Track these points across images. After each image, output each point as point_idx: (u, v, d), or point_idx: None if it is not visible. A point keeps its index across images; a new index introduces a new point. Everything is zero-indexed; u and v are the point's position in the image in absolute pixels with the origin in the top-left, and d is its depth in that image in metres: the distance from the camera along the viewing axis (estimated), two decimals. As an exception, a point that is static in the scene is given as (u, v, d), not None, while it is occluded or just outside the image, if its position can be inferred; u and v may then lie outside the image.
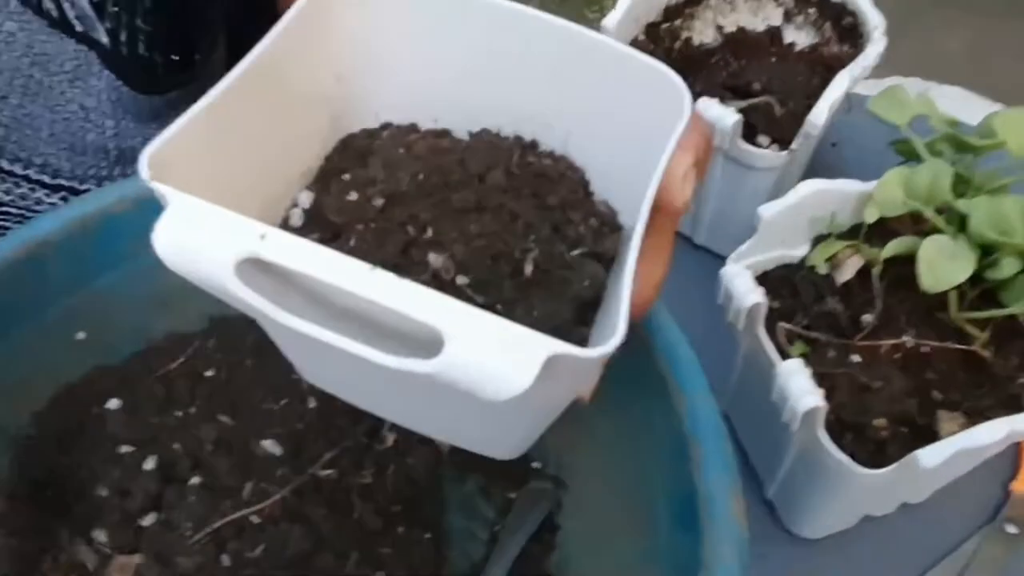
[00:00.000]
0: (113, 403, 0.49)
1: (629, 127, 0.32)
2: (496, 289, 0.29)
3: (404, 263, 0.29)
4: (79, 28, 0.49)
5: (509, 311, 0.29)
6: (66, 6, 0.48)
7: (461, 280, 0.29)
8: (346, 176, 0.33)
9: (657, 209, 0.29)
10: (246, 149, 0.31)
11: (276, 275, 0.26)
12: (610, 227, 0.33)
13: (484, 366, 0.23)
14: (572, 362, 0.24)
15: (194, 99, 0.59)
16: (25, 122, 0.51)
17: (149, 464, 0.46)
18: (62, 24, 0.48)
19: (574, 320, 0.30)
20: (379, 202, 0.31)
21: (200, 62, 0.56)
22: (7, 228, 0.55)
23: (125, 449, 0.47)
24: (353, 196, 0.31)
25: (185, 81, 0.56)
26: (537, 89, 0.34)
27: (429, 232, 0.30)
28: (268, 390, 0.49)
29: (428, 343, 0.23)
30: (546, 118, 0.35)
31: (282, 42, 0.31)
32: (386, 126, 0.37)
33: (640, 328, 0.40)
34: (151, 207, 0.46)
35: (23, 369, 0.45)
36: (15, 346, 0.45)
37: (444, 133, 0.36)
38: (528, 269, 0.30)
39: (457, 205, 0.31)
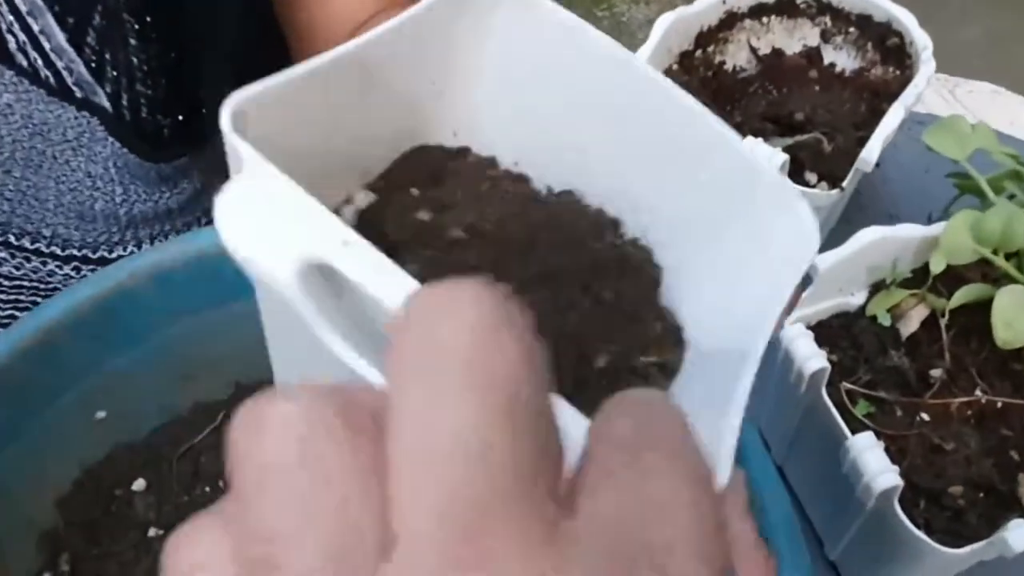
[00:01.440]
0: (139, 484, 0.46)
1: (725, 243, 0.27)
2: (563, 378, 0.26)
3: None
4: (79, 94, 0.47)
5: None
6: (64, 73, 0.46)
7: None
8: (415, 190, 0.30)
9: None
10: (325, 131, 0.27)
11: (333, 286, 0.22)
12: (675, 339, 0.29)
13: None
14: None
15: (207, 158, 0.57)
16: (30, 194, 0.49)
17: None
18: (61, 92, 0.47)
19: None
20: (456, 233, 0.27)
21: (206, 123, 0.53)
22: (21, 301, 0.53)
23: (153, 533, 0.45)
24: (423, 216, 0.28)
25: (190, 147, 0.53)
26: (636, 164, 0.30)
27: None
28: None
29: None
30: (635, 200, 0.31)
31: (396, 35, 0.27)
32: (464, 151, 0.33)
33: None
34: (166, 280, 0.44)
35: (44, 456, 0.43)
36: (35, 435, 0.43)
37: (524, 179, 0.32)
38: (600, 363, 0.27)
39: (537, 268, 0.27)
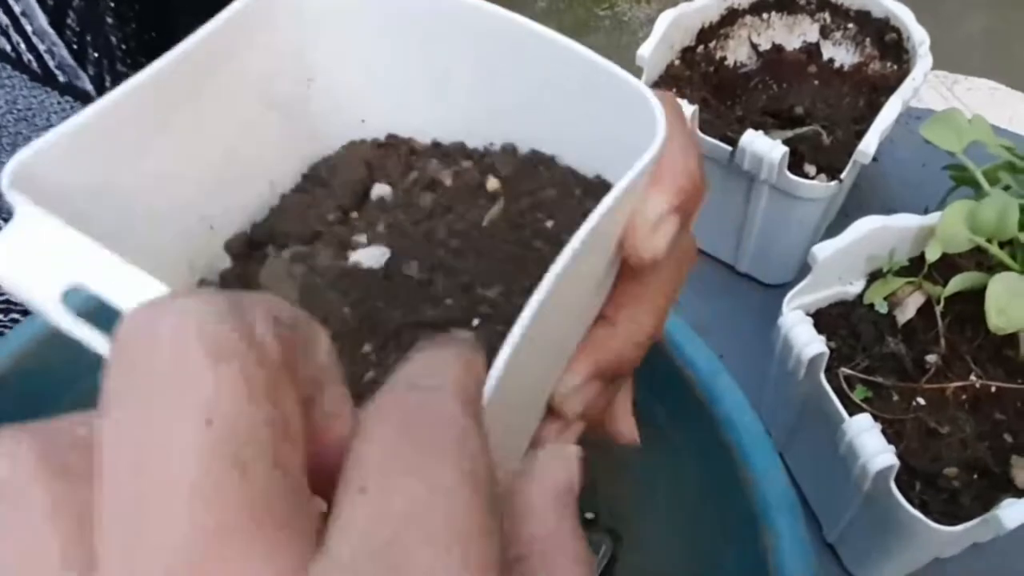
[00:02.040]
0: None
1: (622, 152, 0.26)
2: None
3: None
4: (62, 79, 0.48)
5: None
6: (46, 56, 0.47)
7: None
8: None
9: (627, 268, 0.25)
10: (184, 155, 0.27)
11: None
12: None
13: None
14: None
15: None
16: None
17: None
18: (44, 77, 0.47)
19: None
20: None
21: None
22: None
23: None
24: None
25: None
26: (528, 106, 0.31)
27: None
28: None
29: None
30: (540, 137, 0.32)
31: (236, 22, 0.27)
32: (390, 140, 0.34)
33: (700, 394, 0.39)
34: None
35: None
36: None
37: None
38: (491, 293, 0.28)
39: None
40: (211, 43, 0.26)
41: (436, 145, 0.33)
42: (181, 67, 0.25)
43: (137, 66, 0.50)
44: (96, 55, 0.48)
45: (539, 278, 0.24)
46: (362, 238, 0.29)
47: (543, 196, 0.30)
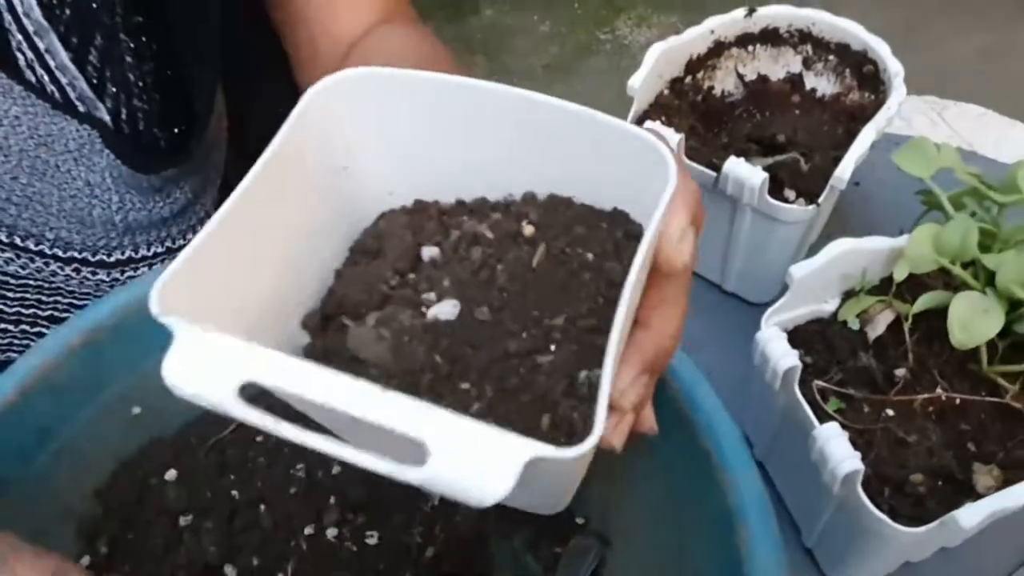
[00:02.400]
0: (170, 474, 0.50)
1: (629, 190, 0.33)
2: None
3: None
4: (81, 109, 0.51)
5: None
6: (68, 89, 0.50)
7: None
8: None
9: (659, 271, 0.30)
10: (263, 255, 0.32)
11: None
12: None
13: (465, 474, 0.24)
14: (554, 462, 0.24)
15: (197, 171, 0.61)
16: (35, 200, 0.53)
17: (207, 539, 0.48)
18: (65, 106, 0.50)
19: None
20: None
21: (196, 137, 0.58)
22: (27, 298, 0.57)
23: (183, 521, 0.49)
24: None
25: (179, 160, 0.57)
26: (539, 161, 0.35)
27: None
28: (318, 457, 0.51)
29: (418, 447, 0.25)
30: (554, 186, 0.36)
31: (288, 146, 0.32)
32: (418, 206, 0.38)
33: (681, 402, 0.42)
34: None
35: (85, 448, 0.47)
36: (79, 427, 0.46)
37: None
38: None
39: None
40: (276, 163, 0.31)
41: (460, 203, 0.37)
42: (256, 191, 0.31)
43: (152, 101, 0.54)
44: (114, 90, 0.51)
45: (595, 303, 0.31)
46: (431, 295, 0.33)
47: (576, 233, 0.34)
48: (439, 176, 0.37)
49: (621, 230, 0.34)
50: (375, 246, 0.36)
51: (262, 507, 0.49)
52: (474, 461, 0.24)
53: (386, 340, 0.31)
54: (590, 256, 0.33)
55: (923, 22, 2.03)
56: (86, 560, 0.47)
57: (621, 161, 0.32)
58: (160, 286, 0.27)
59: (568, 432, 0.29)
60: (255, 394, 0.26)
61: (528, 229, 0.34)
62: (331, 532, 0.49)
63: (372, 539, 0.50)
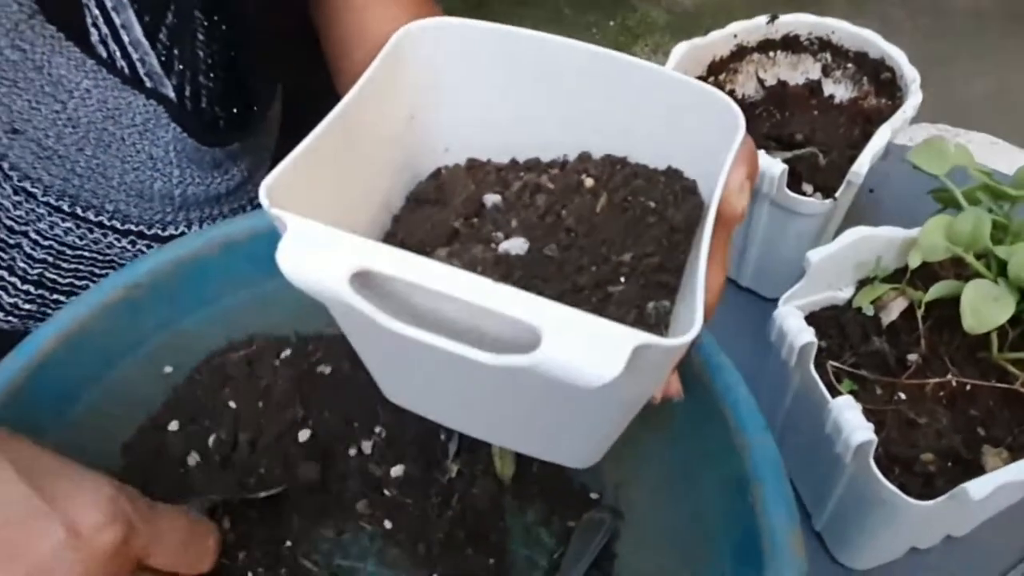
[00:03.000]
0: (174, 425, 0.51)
1: (688, 146, 0.35)
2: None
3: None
4: (148, 84, 0.53)
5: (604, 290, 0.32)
6: (138, 64, 0.52)
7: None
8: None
9: (718, 218, 0.31)
10: (344, 178, 0.34)
11: (381, 296, 0.29)
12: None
13: (578, 357, 0.25)
14: (657, 352, 0.26)
15: (253, 151, 0.63)
16: (98, 171, 0.55)
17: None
18: (133, 81, 0.52)
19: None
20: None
21: (258, 116, 0.60)
22: (81, 270, 0.59)
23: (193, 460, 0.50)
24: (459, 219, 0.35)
25: (243, 135, 0.59)
26: (597, 118, 0.37)
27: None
28: (342, 415, 0.52)
29: (517, 347, 0.26)
30: (609, 145, 0.38)
31: (368, 86, 0.34)
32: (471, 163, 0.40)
33: (700, 369, 0.43)
34: (235, 250, 0.50)
35: (118, 403, 0.48)
36: (114, 381, 0.48)
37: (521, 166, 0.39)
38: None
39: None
40: (361, 97, 0.34)
41: (514, 163, 0.38)
42: (345, 117, 0.33)
43: (216, 79, 0.56)
44: (181, 67, 0.53)
45: (659, 244, 0.33)
46: (499, 234, 0.34)
47: (636, 185, 0.36)
48: (496, 135, 0.38)
49: (678, 184, 0.36)
50: (435, 195, 0.37)
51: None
52: (586, 345, 0.25)
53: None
54: (652, 204, 0.35)
55: (941, 61, 2.06)
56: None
57: (687, 116, 0.34)
58: (271, 180, 0.29)
59: None
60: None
61: (588, 181, 0.36)
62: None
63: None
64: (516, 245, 0.33)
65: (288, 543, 0.49)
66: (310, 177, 0.32)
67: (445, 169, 0.39)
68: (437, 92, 0.38)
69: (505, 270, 0.32)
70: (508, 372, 0.25)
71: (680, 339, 0.26)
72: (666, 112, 0.35)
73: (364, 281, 0.27)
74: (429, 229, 0.35)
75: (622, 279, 0.32)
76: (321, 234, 0.27)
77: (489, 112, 0.38)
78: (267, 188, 0.29)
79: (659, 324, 0.31)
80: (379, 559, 0.49)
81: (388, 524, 0.50)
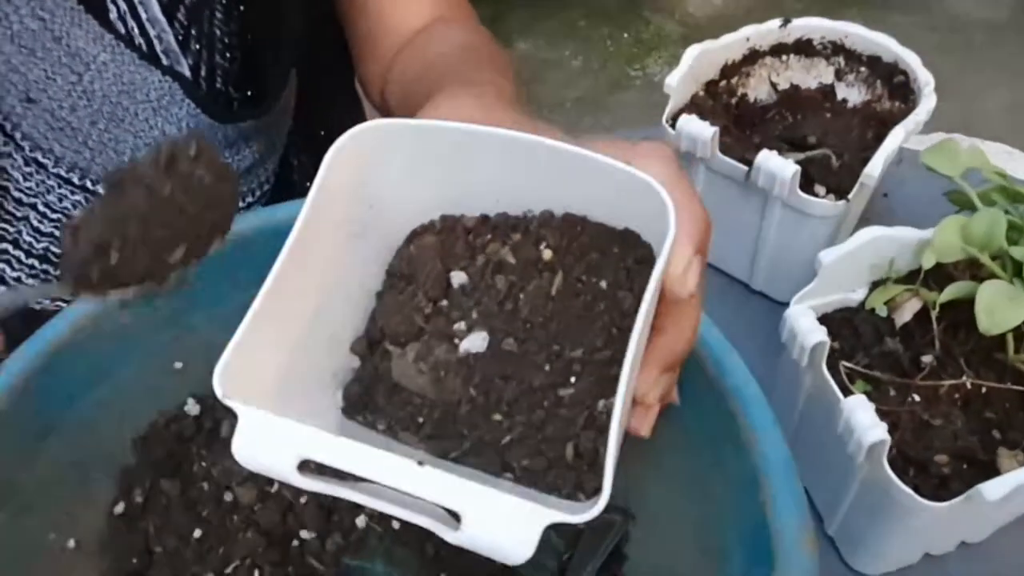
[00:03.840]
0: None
1: (637, 217, 0.36)
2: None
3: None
4: (165, 62, 0.54)
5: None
6: (155, 41, 0.53)
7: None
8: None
9: (666, 299, 0.32)
10: (310, 304, 0.36)
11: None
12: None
13: (494, 540, 0.28)
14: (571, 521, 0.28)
15: (264, 131, 0.64)
16: (110, 145, 0.55)
17: (229, 496, 0.49)
18: (151, 57, 0.53)
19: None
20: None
21: (271, 98, 0.60)
22: None
23: (207, 486, 0.50)
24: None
25: (257, 114, 0.60)
26: (546, 192, 0.38)
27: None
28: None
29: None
30: (558, 201, 0.38)
31: (319, 202, 0.35)
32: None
33: (710, 368, 0.43)
34: (248, 247, 0.50)
35: (129, 396, 0.48)
36: (126, 374, 0.48)
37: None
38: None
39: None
40: (311, 222, 0.35)
41: (485, 218, 0.39)
42: (296, 250, 0.34)
43: (232, 60, 0.56)
44: (197, 46, 0.54)
45: (610, 334, 0.35)
46: (462, 326, 0.36)
47: (591, 260, 0.37)
48: (462, 200, 0.40)
49: (632, 256, 0.37)
50: (408, 270, 0.39)
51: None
52: (499, 528, 0.28)
53: (425, 374, 0.35)
54: (604, 284, 0.36)
55: (956, 74, 2.05)
56: (120, 507, 0.48)
57: (627, 197, 0.35)
58: (221, 369, 0.31)
59: (590, 462, 0.33)
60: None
61: (547, 254, 0.37)
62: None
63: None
64: (476, 343, 0.35)
65: (295, 542, 0.49)
66: (267, 338, 0.33)
67: (418, 233, 0.40)
68: (389, 182, 0.39)
69: (467, 372, 0.35)
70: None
71: (583, 515, 0.28)
72: (609, 191, 0.35)
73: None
74: (400, 320, 0.37)
75: (573, 379, 0.34)
76: (269, 425, 0.30)
77: (446, 190, 0.39)
78: (219, 376, 0.31)
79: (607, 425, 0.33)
80: (387, 559, 0.49)
81: (396, 524, 0.50)
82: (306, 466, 0.30)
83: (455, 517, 0.29)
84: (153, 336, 0.49)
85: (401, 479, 0.29)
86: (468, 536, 0.28)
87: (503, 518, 0.28)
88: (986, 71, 2.13)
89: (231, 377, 0.31)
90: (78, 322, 0.45)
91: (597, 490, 0.29)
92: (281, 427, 0.30)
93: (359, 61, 0.64)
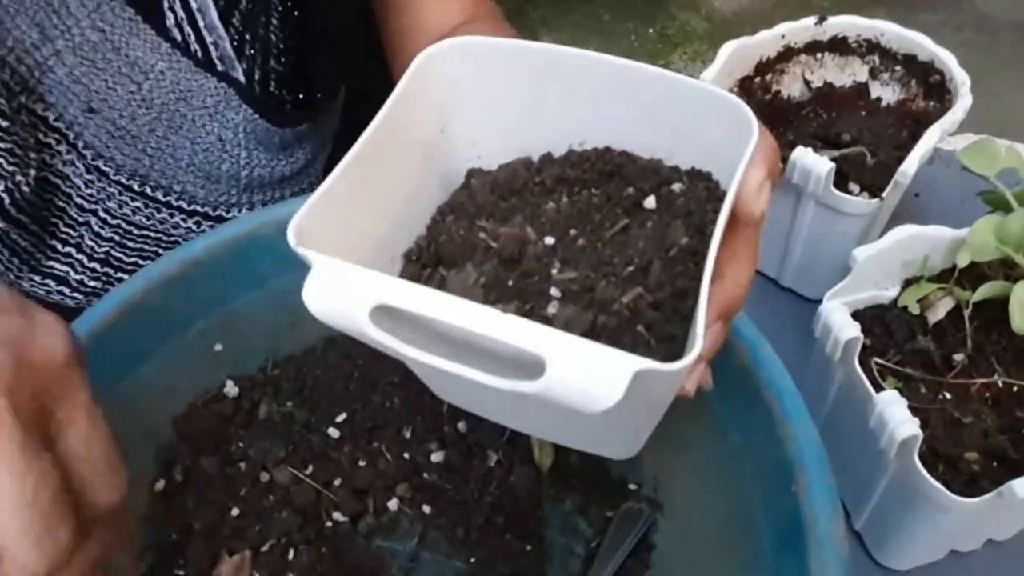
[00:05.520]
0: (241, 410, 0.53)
1: (708, 150, 0.36)
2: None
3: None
4: (220, 68, 0.54)
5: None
6: (211, 48, 0.53)
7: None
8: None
9: (738, 220, 0.32)
10: (376, 200, 0.36)
11: (405, 320, 0.30)
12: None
13: (579, 385, 0.26)
14: (658, 375, 0.27)
15: (315, 134, 0.64)
16: (168, 152, 0.56)
17: (265, 476, 0.50)
18: (206, 64, 0.54)
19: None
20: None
21: (321, 101, 0.61)
22: (146, 250, 0.60)
23: (244, 465, 0.51)
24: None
25: (311, 117, 0.61)
26: (624, 125, 0.38)
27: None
28: (369, 401, 0.53)
29: (533, 365, 0.27)
30: (635, 149, 0.39)
31: (398, 107, 0.36)
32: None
33: (744, 359, 0.43)
34: (284, 230, 0.51)
35: (170, 376, 0.50)
36: (167, 355, 0.49)
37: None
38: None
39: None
40: (388, 120, 0.35)
41: (544, 162, 0.40)
42: (373, 145, 0.34)
43: (287, 63, 0.57)
44: (252, 51, 0.55)
45: (678, 250, 0.34)
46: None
47: (653, 184, 0.37)
48: (524, 141, 0.40)
49: (702, 185, 0.36)
50: (468, 206, 0.39)
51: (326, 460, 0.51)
52: (588, 372, 0.26)
53: (480, 288, 0.34)
54: (677, 203, 0.36)
55: (985, 74, 2.03)
56: (161, 484, 0.49)
57: (704, 120, 0.35)
58: (298, 220, 0.31)
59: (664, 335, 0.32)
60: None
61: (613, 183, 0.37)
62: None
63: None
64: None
65: (328, 523, 0.50)
66: (340, 207, 0.33)
67: (476, 174, 0.40)
68: (463, 106, 0.39)
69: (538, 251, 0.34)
70: (518, 392, 0.27)
71: (678, 364, 0.27)
72: (682, 118, 0.36)
73: (388, 310, 0.29)
74: (460, 243, 0.37)
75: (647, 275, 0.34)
76: (344, 272, 0.29)
77: (514, 122, 0.39)
78: (295, 227, 0.30)
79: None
80: (419, 542, 0.50)
81: (427, 509, 0.51)
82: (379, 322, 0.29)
83: (533, 375, 0.27)
84: (194, 319, 0.50)
85: (484, 323, 0.28)
86: (554, 382, 0.26)
87: (590, 363, 0.27)
88: (1015, 71, 2.11)
89: (302, 231, 0.30)
90: (125, 303, 0.47)
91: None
92: (357, 274, 0.29)
93: (392, 58, 0.64)
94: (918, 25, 0.65)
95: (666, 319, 0.33)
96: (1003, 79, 2.06)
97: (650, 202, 0.37)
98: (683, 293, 0.34)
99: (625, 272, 0.34)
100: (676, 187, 0.37)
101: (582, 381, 0.26)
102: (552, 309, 0.33)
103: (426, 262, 0.37)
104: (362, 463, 0.51)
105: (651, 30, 2.35)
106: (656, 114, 0.36)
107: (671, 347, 0.32)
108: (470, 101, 0.39)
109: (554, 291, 0.34)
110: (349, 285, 0.29)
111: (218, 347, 0.52)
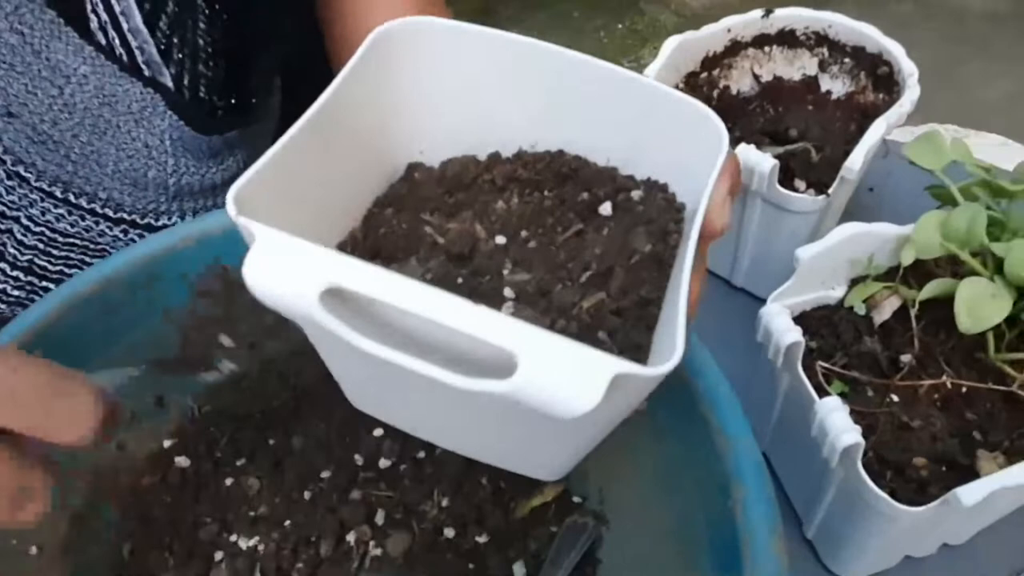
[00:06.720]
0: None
1: (670, 160, 0.34)
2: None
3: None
4: (147, 72, 0.52)
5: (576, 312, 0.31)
6: (136, 52, 0.51)
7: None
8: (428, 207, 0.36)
9: (701, 233, 0.31)
10: (315, 183, 0.33)
11: (351, 308, 0.27)
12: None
13: (555, 386, 0.24)
14: (636, 379, 0.25)
15: (250, 140, 0.62)
16: (92, 158, 0.54)
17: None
18: (132, 68, 0.52)
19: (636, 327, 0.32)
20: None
21: (256, 106, 0.59)
22: (71, 258, 0.58)
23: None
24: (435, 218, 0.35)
25: (242, 123, 0.59)
26: (581, 128, 0.36)
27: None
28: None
29: (493, 369, 0.24)
30: (590, 154, 0.37)
31: (347, 85, 0.33)
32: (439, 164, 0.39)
33: (681, 368, 0.41)
34: (208, 245, 0.49)
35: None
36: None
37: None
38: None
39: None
40: (334, 99, 0.32)
41: (490, 159, 0.38)
42: (317, 121, 0.32)
43: (216, 68, 0.55)
44: (180, 56, 0.53)
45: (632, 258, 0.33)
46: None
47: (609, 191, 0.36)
48: (473, 138, 0.37)
49: (660, 195, 0.35)
50: (410, 199, 0.37)
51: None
52: (564, 374, 0.24)
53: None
54: (637, 210, 0.35)
55: (955, 64, 2.03)
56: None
57: (669, 127, 0.33)
58: (238, 187, 0.27)
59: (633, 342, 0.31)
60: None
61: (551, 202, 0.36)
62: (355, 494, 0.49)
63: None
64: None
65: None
66: (281, 183, 0.30)
67: (418, 168, 0.38)
68: (412, 91, 0.37)
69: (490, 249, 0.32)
70: (484, 394, 0.24)
71: (660, 368, 0.25)
72: (645, 123, 0.34)
73: (335, 293, 0.26)
74: (402, 235, 0.34)
75: (609, 279, 0.32)
76: (291, 246, 0.26)
77: (466, 113, 0.37)
78: (235, 195, 0.27)
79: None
80: (359, 566, 0.48)
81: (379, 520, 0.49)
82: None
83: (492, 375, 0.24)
84: (112, 342, 0.48)
85: (453, 313, 0.24)
86: (524, 382, 0.24)
87: (567, 363, 0.24)
88: (985, 61, 2.11)
89: (243, 201, 0.27)
90: (40, 322, 0.44)
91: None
92: (306, 249, 0.25)
93: (335, 65, 0.63)
94: (888, 15, 0.64)
95: (631, 326, 0.31)
96: (975, 69, 2.06)
97: (606, 208, 0.35)
98: (647, 301, 0.32)
99: (583, 277, 0.33)
100: (635, 195, 0.36)
101: (557, 382, 0.24)
102: (507, 311, 0.30)
103: (361, 255, 0.34)
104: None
105: (620, 25, 2.34)
106: (617, 117, 0.35)
107: (636, 355, 0.31)
108: (421, 85, 0.36)
109: (508, 292, 0.31)
110: (297, 262, 0.25)
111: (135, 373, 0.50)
